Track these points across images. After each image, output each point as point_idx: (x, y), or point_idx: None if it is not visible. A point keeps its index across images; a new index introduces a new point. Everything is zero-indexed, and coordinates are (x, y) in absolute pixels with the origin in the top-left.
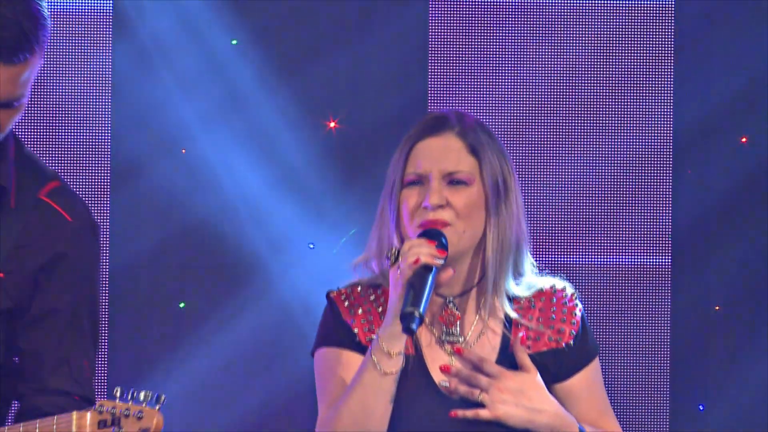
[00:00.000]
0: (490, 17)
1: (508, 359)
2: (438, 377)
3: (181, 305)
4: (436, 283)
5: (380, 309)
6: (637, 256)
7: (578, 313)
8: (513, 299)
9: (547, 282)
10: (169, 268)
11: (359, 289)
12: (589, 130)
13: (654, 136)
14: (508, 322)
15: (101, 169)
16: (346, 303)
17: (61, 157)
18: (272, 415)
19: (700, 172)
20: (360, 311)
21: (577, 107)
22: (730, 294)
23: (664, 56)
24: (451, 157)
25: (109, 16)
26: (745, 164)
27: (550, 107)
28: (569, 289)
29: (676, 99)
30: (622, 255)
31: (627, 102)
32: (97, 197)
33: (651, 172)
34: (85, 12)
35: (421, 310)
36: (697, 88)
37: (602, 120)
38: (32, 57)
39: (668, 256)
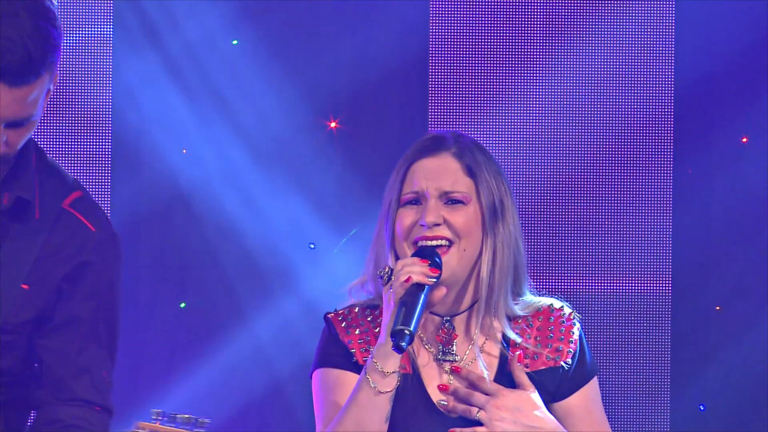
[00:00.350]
0: (491, 17)
1: (505, 378)
2: (436, 396)
3: (182, 305)
4: (430, 301)
5: (377, 329)
6: (639, 257)
7: (576, 333)
8: (511, 318)
9: (545, 301)
10: (170, 269)
11: (356, 309)
12: (587, 136)
13: (654, 134)
14: (506, 341)
15: (101, 170)
16: (343, 324)
17: (61, 157)
18: (272, 413)
19: (701, 172)
20: (357, 332)
21: (576, 114)
22: (730, 294)
23: (664, 63)
24: (448, 176)
25: (110, 14)
26: (745, 164)
27: (547, 115)
28: (567, 309)
29: (676, 98)
30: (624, 261)
31: (626, 107)
32: (97, 197)
33: (651, 173)
34: (85, 8)
35: (412, 328)
36: (698, 88)
37: (601, 123)
38: (39, 79)
39: (669, 256)
